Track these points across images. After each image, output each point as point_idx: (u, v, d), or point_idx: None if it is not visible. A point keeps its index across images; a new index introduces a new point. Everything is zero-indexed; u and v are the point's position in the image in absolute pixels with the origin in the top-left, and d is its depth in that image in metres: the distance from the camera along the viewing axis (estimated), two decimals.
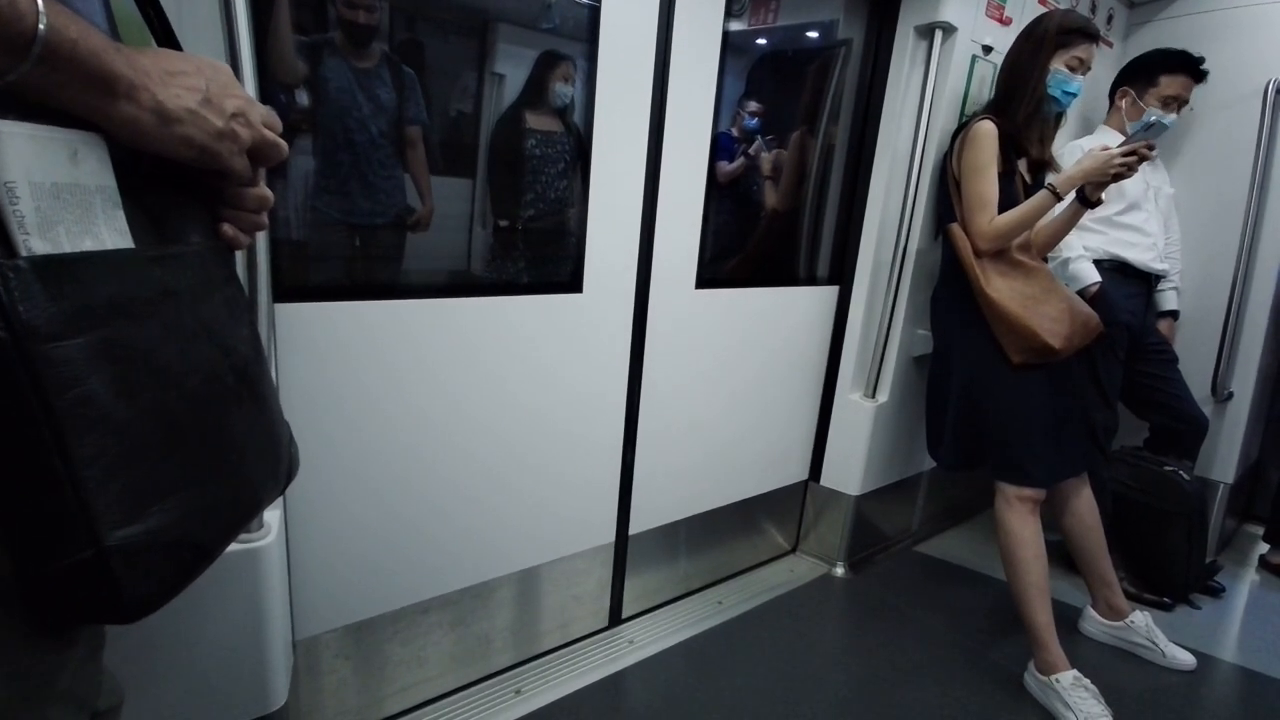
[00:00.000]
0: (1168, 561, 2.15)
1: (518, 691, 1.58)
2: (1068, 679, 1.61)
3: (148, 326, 0.46)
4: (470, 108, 1.49)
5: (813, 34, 2.11)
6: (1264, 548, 2.53)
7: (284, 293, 1.14)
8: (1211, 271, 2.37)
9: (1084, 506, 1.83)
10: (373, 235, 1.42)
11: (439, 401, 1.38)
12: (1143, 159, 1.54)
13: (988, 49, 2.00)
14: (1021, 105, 1.69)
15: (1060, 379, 1.72)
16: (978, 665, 1.80)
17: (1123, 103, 2.12)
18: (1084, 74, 1.69)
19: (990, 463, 1.78)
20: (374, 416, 1.30)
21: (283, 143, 0.57)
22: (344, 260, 1.39)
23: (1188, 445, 2.26)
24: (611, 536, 1.78)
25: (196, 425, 0.49)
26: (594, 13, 1.43)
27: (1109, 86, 2.22)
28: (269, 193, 0.59)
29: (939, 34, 1.88)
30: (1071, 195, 1.63)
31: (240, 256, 0.96)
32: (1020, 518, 1.70)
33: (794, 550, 2.35)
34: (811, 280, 2.14)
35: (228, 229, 0.57)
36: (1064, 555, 2.06)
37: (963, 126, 1.78)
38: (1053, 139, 1.78)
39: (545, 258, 1.59)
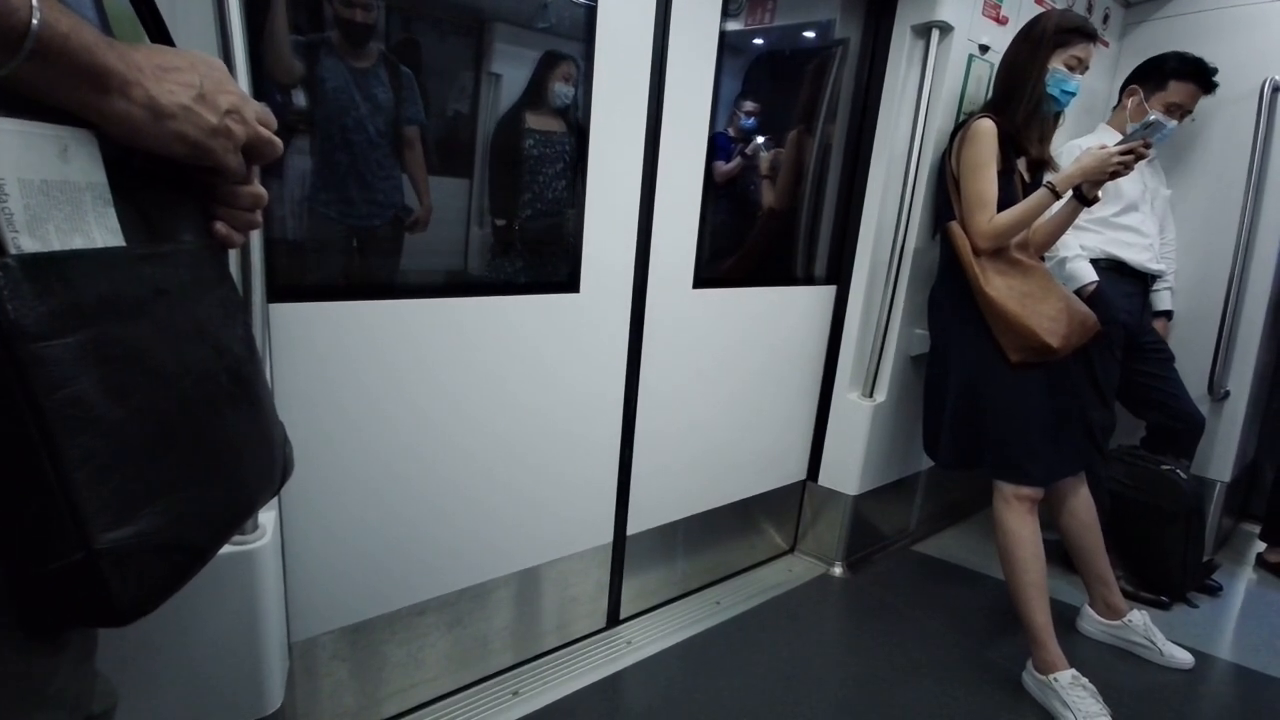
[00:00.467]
0: (1165, 560, 2.15)
1: (515, 693, 1.58)
2: (1066, 678, 1.61)
3: (139, 326, 0.45)
4: (467, 107, 1.49)
5: (809, 33, 2.11)
6: (1261, 546, 2.54)
7: (279, 292, 1.13)
8: (1208, 270, 2.38)
9: (1082, 505, 1.83)
10: (370, 235, 1.41)
11: (436, 401, 1.37)
12: (1140, 158, 1.55)
13: (984, 48, 2.00)
14: (1020, 104, 1.69)
15: (1058, 378, 1.72)
16: (976, 665, 1.80)
17: (1129, 101, 2.12)
18: (1082, 73, 1.69)
19: (988, 462, 1.78)
20: (370, 417, 1.29)
21: (277, 140, 0.57)
22: (340, 260, 1.39)
23: (1185, 444, 2.27)
24: (609, 537, 1.77)
25: (189, 426, 0.49)
26: (590, 12, 1.43)
27: (1104, 85, 2.22)
28: (263, 190, 0.58)
29: (936, 33, 1.88)
30: (1069, 193, 1.63)
31: (235, 256, 0.95)
32: (1018, 517, 1.71)
33: (792, 550, 2.35)
34: (809, 280, 2.14)
35: (221, 227, 0.57)
36: (1062, 554, 2.06)
37: (961, 125, 1.78)
38: (1051, 138, 1.78)
39: (543, 257, 1.59)
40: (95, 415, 0.41)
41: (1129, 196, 2.11)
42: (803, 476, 2.28)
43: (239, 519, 0.57)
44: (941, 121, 1.95)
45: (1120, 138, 1.65)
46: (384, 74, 1.36)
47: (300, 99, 1.26)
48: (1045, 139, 1.75)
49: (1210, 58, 2.07)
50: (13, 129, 0.39)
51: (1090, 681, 1.61)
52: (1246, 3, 2.31)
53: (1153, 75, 2.09)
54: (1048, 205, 1.62)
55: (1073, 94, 1.69)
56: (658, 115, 1.57)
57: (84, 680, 0.54)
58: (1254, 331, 2.36)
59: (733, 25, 1.74)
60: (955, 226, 1.74)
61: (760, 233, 2.14)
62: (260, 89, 1.08)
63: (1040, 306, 1.65)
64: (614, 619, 1.87)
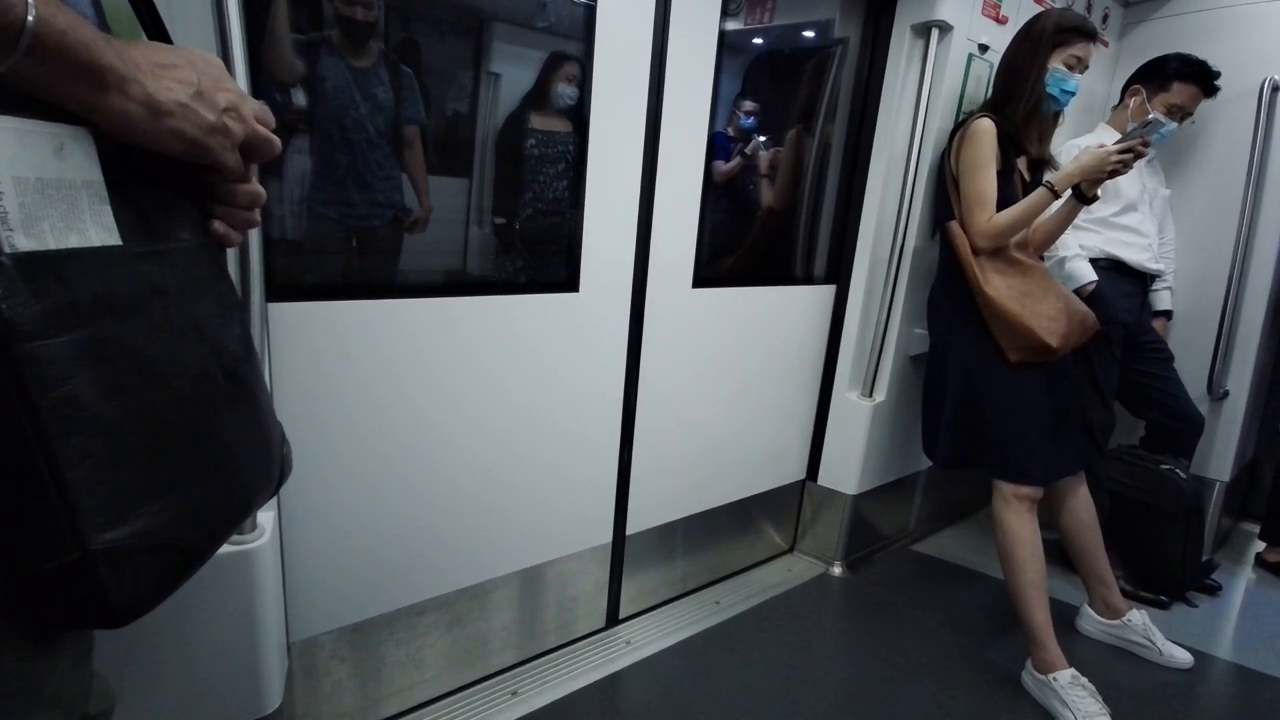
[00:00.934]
0: (1164, 560, 2.15)
1: (515, 693, 1.58)
2: (1065, 677, 1.61)
3: (135, 325, 0.45)
4: (467, 107, 1.49)
5: (809, 33, 2.11)
6: (1260, 546, 2.54)
7: (278, 292, 1.13)
8: (1207, 270, 2.38)
9: (1081, 505, 1.83)
10: (369, 235, 1.41)
11: (435, 401, 1.37)
12: (1138, 157, 1.55)
13: (984, 47, 2.00)
14: (1020, 104, 1.69)
15: (1057, 377, 1.72)
16: (975, 664, 1.80)
17: (1132, 101, 2.12)
18: (1082, 72, 1.69)
19: (987, 461, 1.78)
20: (369, 416, 1.29)
21: (275, 138, 0.56)
22: (340, 259, 1.39)
23: (1184, 444, 2.27)
24: (609, 536, 1.77)
25: (186, 426, 0.49)
26: (590, 12, 1.42)
27: (1103, 85, 2.22)
28: (261, 189, 0.58)
29: (935, 32, 1.88)
30: (1068, 192, 1.63)
31: (233, 255, 0.95)
32: (1017, 516, 1.70)
33: (791, 550, 2.35)
34: (808, 279, 2.14)
35: (218, 226, 0.56)
36: (1061, 554, 2.06)
37: (961, 124, 1.78)
38: (1051, 137, 1.78)
39: (542, 257, 1.59)
40: (91, 414, 0.40)
41: (1128, 196, 2.11)
42: (802, 476, 2.28)
43: (237, 519, 0.56)
44: (941, 121, 1.94)
45: (1120, 137, 1.65)
46: (384, 73, 1.36)
47: (300, 98, 1.26)
48: (1045, 138, 1.75)
49: (1210, 57, 2.07)
50: (8, 126, 0.38)
51: (1089, 681, 1.61)
52: (1246, 2, 2.32)
53: (1155, 76, 2.09)
54: (1047, 204, 1.62)
55: (1072, 93, 1.69)
56: (657, 114, 1.57)
57: (81, 681, 0.54)
58: (1253, 331, 2.36)
59: (732, 24, 1.74)
60: (954, 226, 1.74)
61: (760, 232, 2.14)
62: (259, 87, 1.08)
63: (1039, 306, 1.65)
64: (613, 619, 1.86)
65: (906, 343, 2.13)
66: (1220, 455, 2.45)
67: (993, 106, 1.76)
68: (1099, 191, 1.68)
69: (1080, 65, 1.68)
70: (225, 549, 0.98)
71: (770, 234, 2.15)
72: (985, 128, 1.66)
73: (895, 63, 1.96)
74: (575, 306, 1.54)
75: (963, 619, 2.01)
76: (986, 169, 1.66)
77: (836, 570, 2.23)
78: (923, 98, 1.89)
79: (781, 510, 2.27)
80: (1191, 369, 2.35)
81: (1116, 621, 1.90)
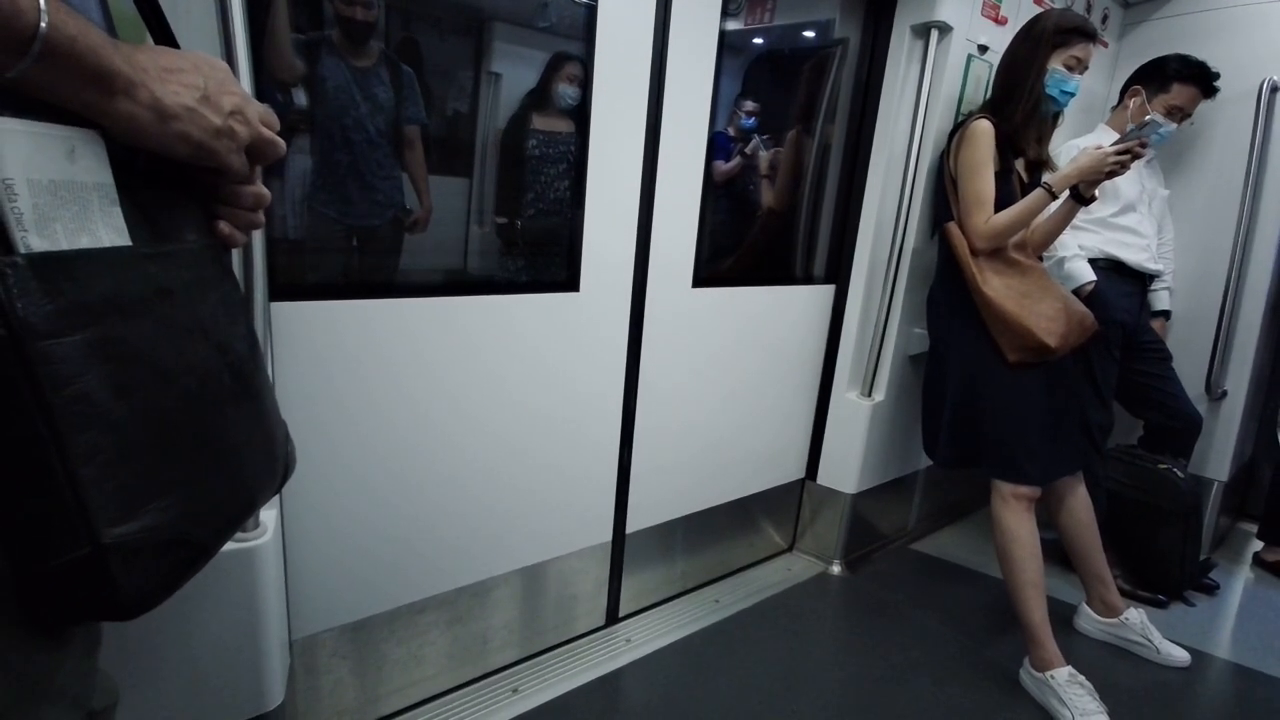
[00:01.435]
0: (1162, 559, 2.16)
1: (515, 690, 1.58)
2: (1063, 675, 1.61)
3: (144, 324, 0.46)
4: (467, 106, 1.49)
5: (809, 33, 2.11)
6: (1258, 545, 2.55)
7: (280, 291, 1.13)
8: (1206, 270, 2.38)
9: (1079, 504, 1.84)
10: (370, 234, 1.42)
11: (436, 400, 1.38)
12: (1136, 157, 1.56)
13: (983, 48, 2.01)
14: (1019, 105, 1.69)
15: (1056, 377, 1.72)
16: (974, 663, 1.81)
17: (1132, 102, 2.13)
18: (1081, 73, 1.69)
19: (986, 461, 1.79)
20: (370, 415, 1.29)
21: (280, 141, 0.57)
22: (341, 259, 1.39)
23: (1182, 443, 2.27)
24: (608, 535, 1.78)
25: (192, 424, 0.49)
26: (590, 12, 1.43)
27: (1103, 85, 2.22)
28: (265, 191, 0.59)
29: (935, 33, 1.88)
30: (1066, 193, 1.64)
31: (236, 254, 0.96)
32: (1016, 515, 1.71)
33: (790, 549, 2.36)
34: (808, 279, 2.15)
35: (224, 227, 0.57)
36: (1060, 553, 2.06)
37: (959, 125, 1.79)
38: (1050, 138, 1.79)
39: (543, 257, 1.59)
40: (101, 412, 0.41)
41: (1127, 197, 2.12)
42: (801, 475, 2.29)
43: (241, 516, 0.57)
44: (940, 121, 1.95)
45: (1118, 139, 1.65)
46: (385, 73, 1.36)
47: (301, 98, 1.27)
48: (1043, 139, 1.76)
49: (1209, 58, 2.07)
50: (22, 130, 0.39)
51: (1087, 679, 1.61)
52: (1245, 3, 2.32)
53: (1155, 77, 2.10)
54: (1044, 205, 1.63)
55: (1072, 94, 1.69)
56: (657, 114, 1.58)
57: (87, 676, 0.55)
58: (1252, 331, 2.37)
59: (732, 25, 1.74)
60: (953, 227, 1.75)
61: (759, 232, 2.14)
62: (262, 89, 1.09)
63: (1038, 306, 1.66)
64: (613, 617, 1.87)
65: (906, 342, 2.14)
66: (1218, 455, 2.45)
67: (992, 107, 1.76)
68: (1097, 192, 1.68)
69: (1080, 66, 1.69)
70: (228, 547, 0.98)
71: (770, 234, 2.15)
72: (984, 129, 1.67)
73: (895, 63, 1.97)
74: (576, 306, 1.55)
75: (961, 618, 2.02)
76: (985, 170, 1.66)
77: (836, 569, 2.24)
78: (922, 98, 1.90)
79: (781, 509, 2.28)
80: (1190, 369, 2.35)
81: (1114, 620, 1.91)
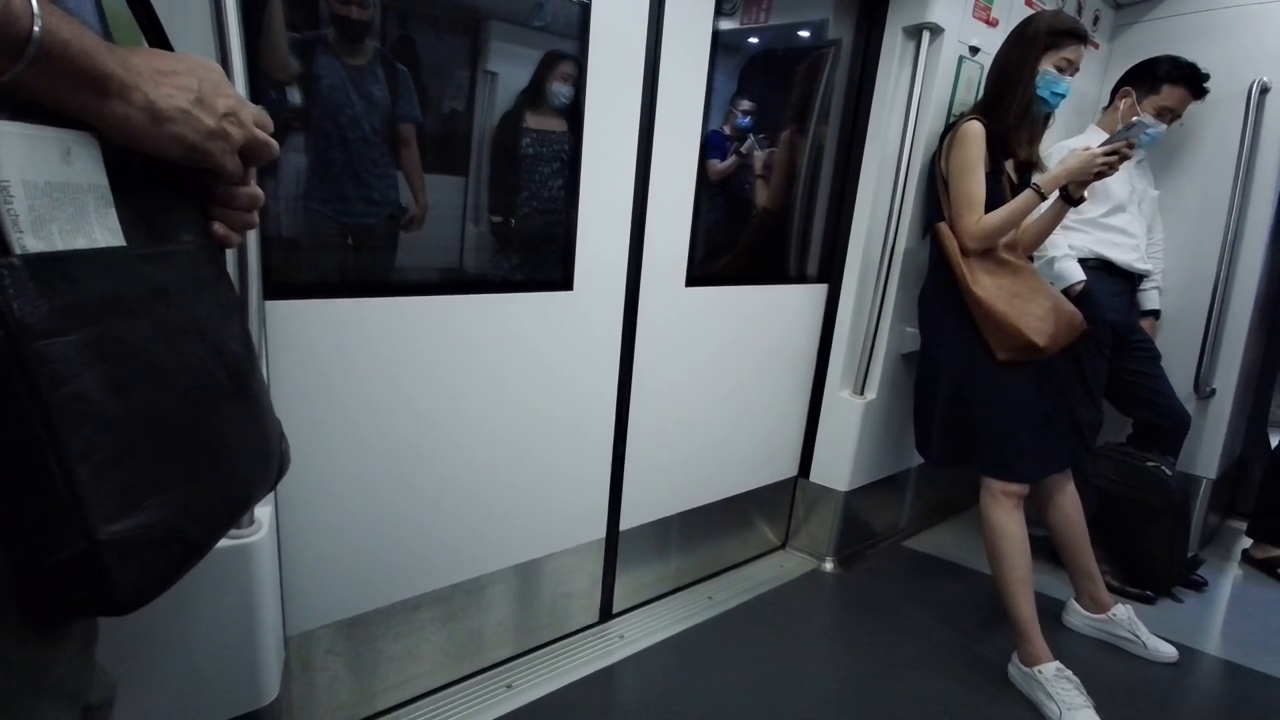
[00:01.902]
0: (1150, 555, 2.18)
1: (509, 686, 1.59)
2: (1051, 670, 1.63)
3: (139, 324, 0.46)
4: (463, 105, 1.50)
5: (803, 33, 2.12)
6: (1248, 542, 2.57)
7: (275, 290, 1.14)
8: (1195, 270, 2.41)
9: (1068, 501, 1.86)
10: (365, 233, 1.42)
11: (430, 398, 1.38)
12: (1124, 158, 1.57)
13: (975, 50, 2.02)
14: (1011, 106, 1.71)
15: (1046, 376, 1.74)
16: (963, 657, 1.83)
17: (1122, 103, 2.14)
18: (1073, 75, 1.71)
19: (976, 459, 1.80)
20: (365, 413, 1.30)
21: (274, 142, 0.58)
22: (336, 258, 1.40)
23: (1171, 441, 2.29)
24: (603, 532, 1.79)
25: (188, 422, 0.50)
26: (585, 10, 1.44)
27: (1094, 87, 2.23)
28: (259, 191, 0.60)
29: (926, 35, 1.89)
30: (1055, 194, 1.66)
31: (231, 254, 0.96)
32: (1005, 512, 1.73)
33: (784, 546, 2.37)
34: (801, 278, 2.16)
35: (218, 227, 0.58)
36: (1049, 549, 2.08)
37: (951, 126, 1.80)
38: (1040, 139, 1.80)
39: (537, 255, 1.60)
40: (97, 411, 0.42)
41: (1117, 197, 2.13)
42: (794, 473, 2.30)
43: (236, 513, 0.58)
44: (932, 123, 1.96)
45: (1105, 139, 1.67)
46: (380, 72, 1.37)
47: (296, 96, 1.27)
48: (1034, 141, 1.77)
49: (1199, 59, 2.09)
50: (17, 132, 0.40)
51: (1074, 674, 1.63)
52: (1235, 5, 2.34)
53: (1145, 78, 2.11)
54: (1034, 206, 1.64)
55: (1063, 96, 1.71)
56: (651, 114, 1.59)
57: (84, 671, 0.55)
58: (1240, 330, 2.39)
59: (726, 24, 1.75)
60: (944, 227, 1.76)
61: (753, 231, 2.15)
62: (257, 89, 1.09)
63: (1028, 306, 1.67)
64: (607, 613, 1.88)
65: (898, 341, 2.15)
66: (1207, 453, 2.48)
67: (983, 108, 1.77)
68: (1087, 193, 1.70)
69: (1071, 68, 1.70)
70: (224, 543, 0.99)
71: (763, 233, 2.16)
72: (975, 130, 1.68)
73: (887, 64, 1.98)
74: (570, 305, 1.56)
75: (952, 614, 2.03)
76: (975, 171, 1.68)
77: (828, 566, 2.25)
78: (914, 99, 1.91)
79: (774, 507, 2.29)
80: (1179, 368, 2.38)
81: (1102, 616, 1.93)
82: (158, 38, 0.58)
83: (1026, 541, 1.73)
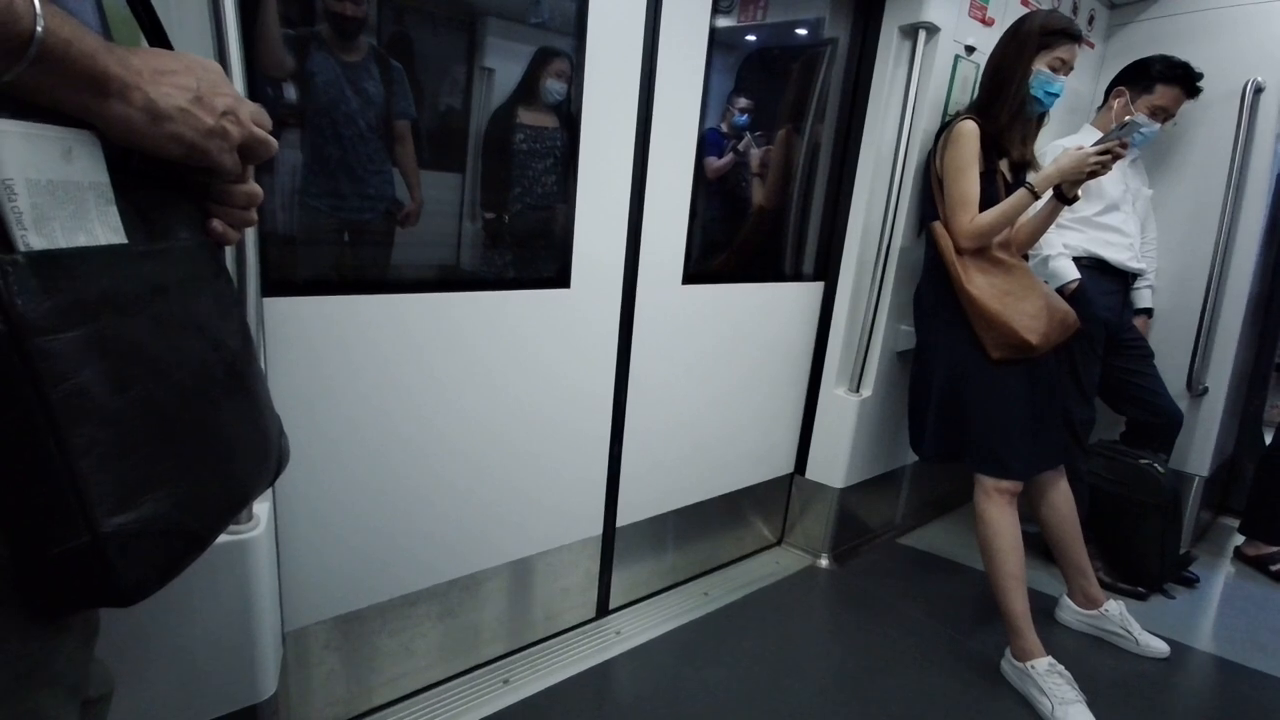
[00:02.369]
0: (1142, 552, 2.20)
1: (506, 681, 1.60)
2: (1043, 665, 1.65)
3: (139, 321, 0.47)
4: (459, 102, 1.50)
5: (799, 31, 2.13)
6: (1240, 539, 2.59)
7: (272, 287, 1.14)
8: (1188, 269, 2.42)
9: (1060, 498, 1.87)
10: (361, 229, 1.42)
11: (427, 395, 1.39)
12: (1117, 157, 1.58)
13: (970, 49, 2.02)
14: (1005, 105, 1.71)
15: (1039, 374, 1.75)
16: (957, 653, 1.84)
17: (1115, 103, 2.15)
18: (1066, 74, 1.71)
19: (970, 456, 1.81)
20: (363, 410, 1.31)
21: (272, 140, 0.58)
22: (332, 255, 1.40)
23: (1163, 439, 2.31)
24: (599, 529, 1.80)
25: (188, 418, 0.51)
26: (582, 7, 1.44)
27: (1089, 86, 2.24)
28: (258, 189, 0.60)
29: (922, 34, 1.90)
30: (1049, 193, 1.67)
31: (229, 251, 0.97)
32: (998, 509, 1.74)
33: (779, 542, 2.39)
34: (797, 276, 2.17)
35: (217, 225, 0.58)
36: (1042, 546, 2.10)
37: (946, 126, 1.81)
38: (1035, 139, 1.81)
39: (534, 252, 1.60)
40: (99, 406, 0.43)
41: (1111, 196, 2.14)
42: (790, 470, 2.32)
43: (235, 508, 0.58)
44: (927, 122, 1.97)
45: (1099, 138, 1.68)
46: (374, 68, 1.37)
47: (291, 93, 1.27)
48: (1028, 140, 1.78)
49: (1194, 59, 2.10)
50: (20, 131, 0.40)
51: (1067, 669, 1.65)
52: (1230, 5, 2.35)
53: (1139, 77, 2.12)
54: (1027, 205, 1.65)
55: (1056, 95, 1.71)
56: (648, 111, 1.59)
57: (83, 664, 0.56)
58: (1233, 329, 2.41)
59: (723, 22, 1.75)
60: (938, 226, 1.77)
61: (749, 229, 2.16)
62: (253, 87, 1.09)
63: (1021, 304, 1.68)
64: (603, 609, 1.89)
65: (893, 339, 2.16)
66: (1199, 450, 2.49)
67: (977, 108, 1.78)
68: (1080, 192, 1.71)
69: (1065, 67, 1.71)
70: (222, 539, 0.99)
71: (760, 231, 2.17)
72: (969, 130, 1.69)
73: (883, 63, 1.98)
74: (567, 302, 1.56)
75: (945, 609, 2.05)
76: (970, 170, 1.69)
77: (823, 563, 2.27)
78: (910, 98, 1.92)
79: (770, 504, 2.31)
80: (1172, 366, 2.39)
81: (1094, 612, 1.94)
82: (157, 37, 0.58)
83: (1020, 538, 1.74)
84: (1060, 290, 2.03)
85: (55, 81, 0.42)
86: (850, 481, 2.23)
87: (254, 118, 0.56)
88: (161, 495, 0.47)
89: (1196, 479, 2.50)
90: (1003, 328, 1.66)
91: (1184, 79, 2.08)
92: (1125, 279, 2.24)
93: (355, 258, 1.44)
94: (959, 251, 1.73)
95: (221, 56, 0.89)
